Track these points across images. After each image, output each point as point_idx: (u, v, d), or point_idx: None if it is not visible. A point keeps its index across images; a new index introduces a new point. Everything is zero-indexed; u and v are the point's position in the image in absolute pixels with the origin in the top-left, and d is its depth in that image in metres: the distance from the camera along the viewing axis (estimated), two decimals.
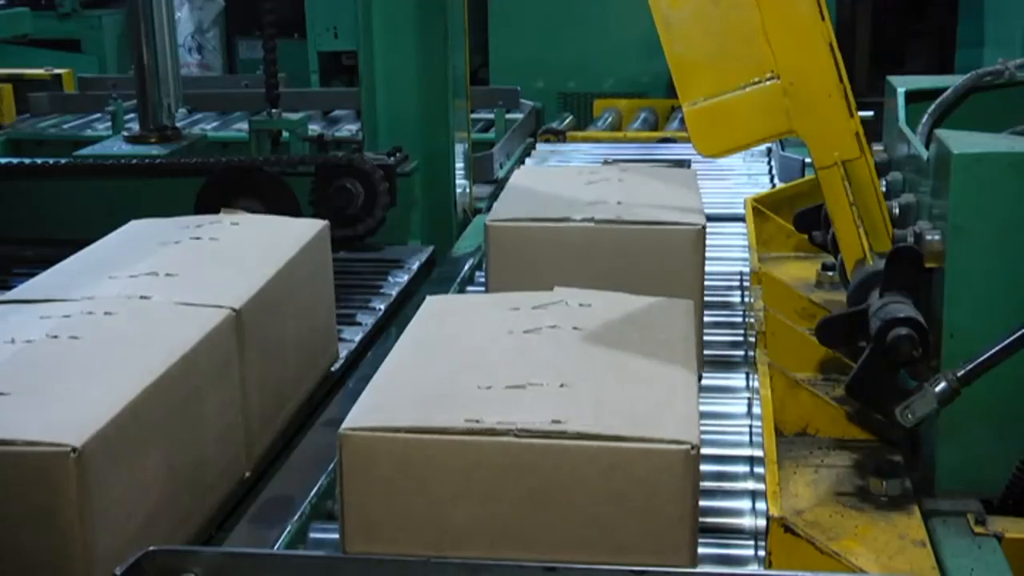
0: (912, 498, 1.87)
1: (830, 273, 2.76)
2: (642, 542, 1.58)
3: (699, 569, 1.68)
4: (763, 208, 3.00)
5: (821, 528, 1.79)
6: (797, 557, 1.61)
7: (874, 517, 1.82)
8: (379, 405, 1.70)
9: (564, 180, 2.74)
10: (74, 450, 1.61)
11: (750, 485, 2.08)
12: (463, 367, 1.81)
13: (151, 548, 1.59)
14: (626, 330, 1.95)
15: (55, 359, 1.90)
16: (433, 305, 2.14)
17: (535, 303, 2.05)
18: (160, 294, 2.17)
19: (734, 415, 2.35)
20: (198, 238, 2.50)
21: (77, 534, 1.63)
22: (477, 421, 1.61)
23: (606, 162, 2.93)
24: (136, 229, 2.64)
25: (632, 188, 2.61)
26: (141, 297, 2.16)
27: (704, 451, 2.15)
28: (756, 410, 2.34)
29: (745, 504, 2.01)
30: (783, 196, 3.15)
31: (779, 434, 2.08)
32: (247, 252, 2.44)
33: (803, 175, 3.93)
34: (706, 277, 3.05)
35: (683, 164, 4.78)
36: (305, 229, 2.60)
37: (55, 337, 1.97)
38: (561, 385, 1.71)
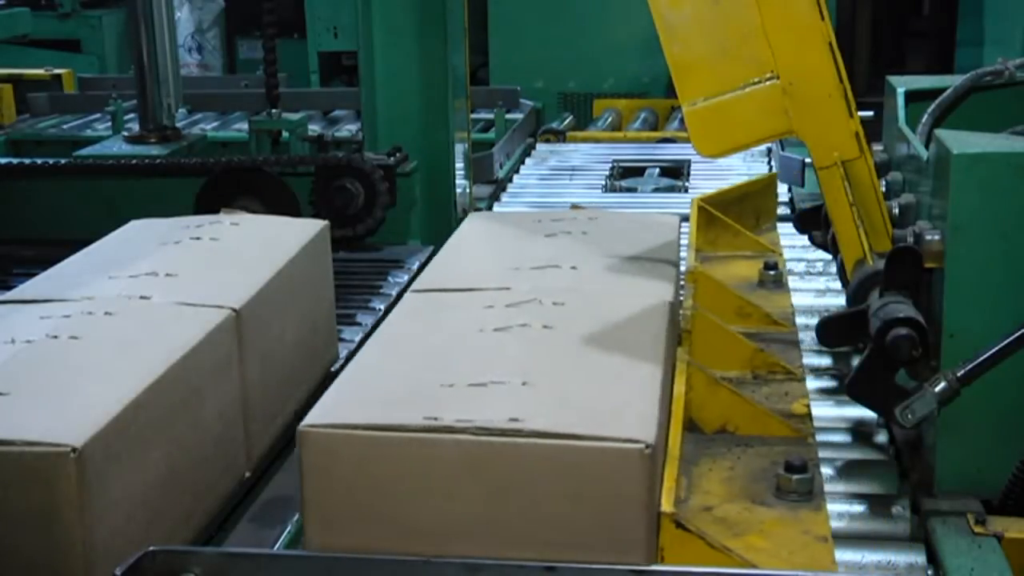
0: (822, 494, 1.88)
1: (772, 272, 2.78)
2: (600, 540, 1.58)
3: (699, 569, 1.68)
4: (710, 208, 3.02)
5: (728, 524, 1.79)
6: (689, 552, 1.61)
7: (782, 513, 1.82)
8: (341, 402, 1.71)
9: (511, 248, 2.43)
10: (74, 450, 1.61)
11: None
12: (429, 365, 1.82)
13: (151, 548, 1.59)
14: (597, 329, 1.96)
15: (55, 359, 1.90)
16: (410, 302, 2.15)
17: (509, 301, 2.06)
18: (160, 294, 2.17)
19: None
20: (198, 238, 2.50)
21: (77, 534, 1.62)
22: (436, 419, 1.61)
23: (575, 206, 2.88)
24: (136, 229, 2.64)
25: (589, 261, 2.34)
26: (141, 297, 2.16)
27: None
28: None
29: None
30: (732, 196, 3.17)
31: (699, 432, 2.09)
32: (247, 252, 2.44)
33: (803, 175, 3.93)
34: None
35: (683, 164, 4.80)
36: (305, 229, 2.60)
37: (55, 337, 1.97)
38: (523, 383, 1.72)
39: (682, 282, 2.51)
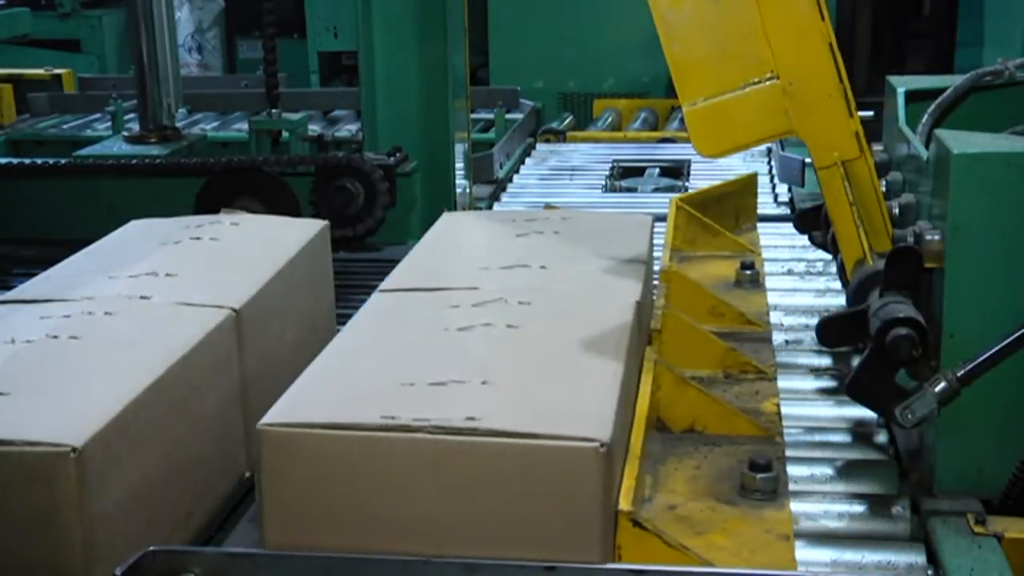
0: (787, 493, 1.88)
1: (748, 272, 2.78)
2: (557, 537, 1.59)
3: (699, 568, 1.68)
4: (688, 208, 3.03)
5: (690, 522, 1.80)
6: (646, 551, 1.62)
7: (745, 512, 1.82)
8: (302, 401, 1.72)
9: (485, 249, 2.44)
10: (74, 450, 1.61)
11: None
12: (391, 364, 1.82)
13: (151, 548, 1.59)
14: (561, 328, 1.96)
15: (55, 359, 1.90)
16: (377, 302, 2.15)
17: (475, 301, 2.07)
18: (160, 294, 2.17)
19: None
20: (198, 238, 2.50)
21: (77, 534, 1.62)
22: (393, 418, 1.62)
23: (548, 206, 2.87)
24: (136, 229, 2.64)
25: (558, 262, 2.33)
26: (141, 297, 2.16)
27: None
28: None
29: None
30: (711, 196, 3.18)
31: (667, 431, 2.10)
32: (247, 252, 2.44)
33: (803, 175, 3.93)
34: None
35: (683, 164, 4.80)
36: (305, 229, 2.60)
37: (55, 337, 1.97)
38: (483, 382, 1.73)
39: (656, 282, 2.52)
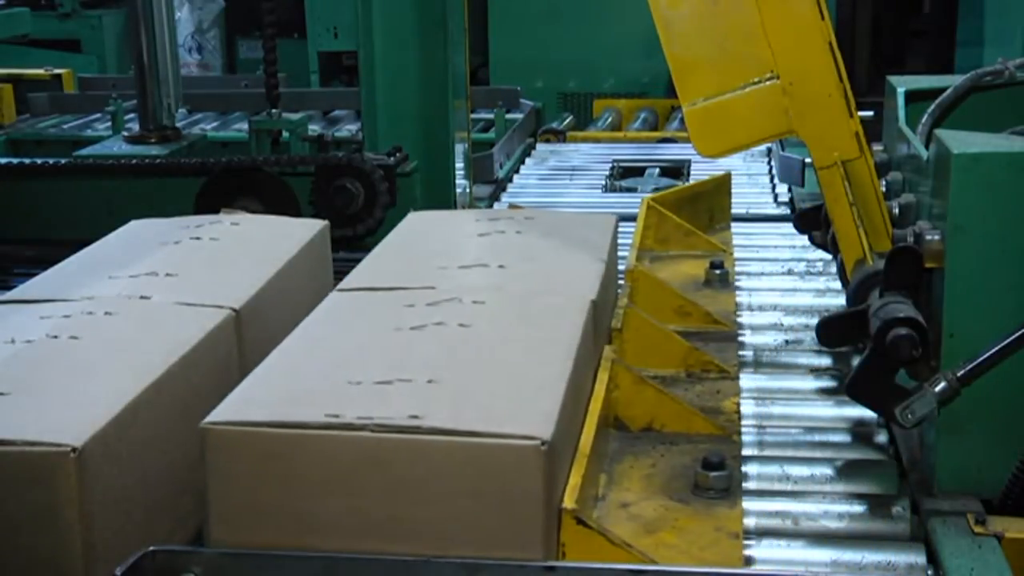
0: (740, 491, 1.89)
1: (718, 272, 2.79)
2: (499, 535, 1.59)
3: (700, 569, 1.68)
4: (660, 207, 3.04)
5: (642, 521, 1.81)
6: (590, 549, 1.62)
7: (697, 510, 1.84)
8: (246, 400, 1.72)
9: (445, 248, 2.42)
10: (74, 450, 1.61)
11: (751, 485, 2.08)
12: (340, 363, 1.83)
13: (151, 548, 1.59)
14: (512, 327, 1.97)
15: (55, 359, 1.90)
16: (333, 301, 2.16)
17: (430, 300, 2.07)
18: (160, 294, 2.17)
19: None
20: (198, 238, 2.50)
21: (77, 534, 1.62)
22: (337, 416, 1.62)
23: (512, 206, 2.86)
24: (136, 229, 2.64)
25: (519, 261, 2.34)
26: (141, 297, 2.16)
27: None
28: (760, 409, 2.35)
29: (746, 504, 2.01)
30: (685, 195, 3.19)
31: (625, 429, 2.10)
32: (247, 252, 2.44)
33: (803, 175, 3.93)
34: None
35: (683, 164, 4.80)
36: (305, 229, 2.60)
37: (55, 337, 1.97)
38: (429, 381, 1.73)
39: (621, 281, 2.53)
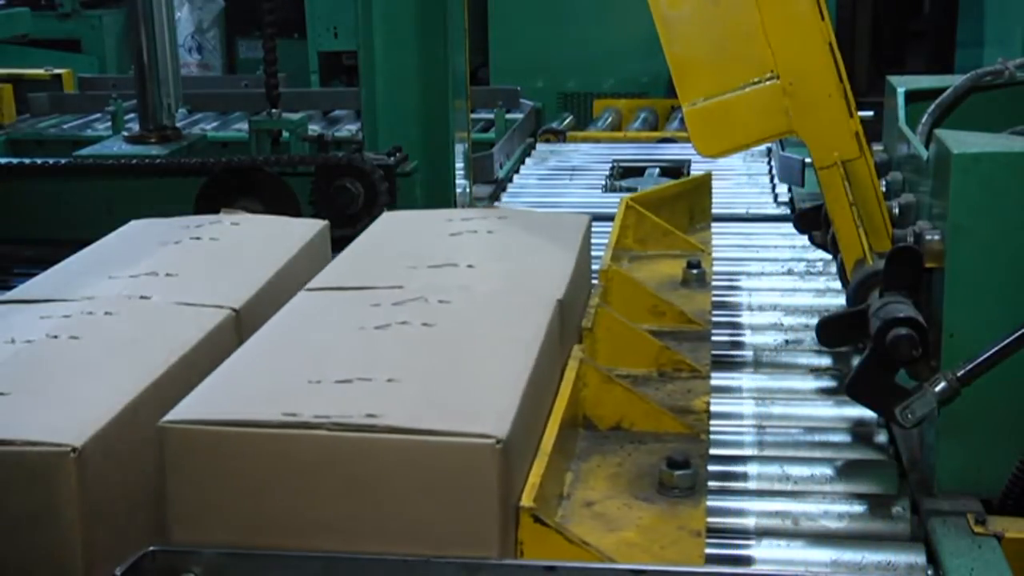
0: (704, 490, 1.89)
1: (695, 271, 2.80)
2: (455, 533, 1.60)
3: (700, 569, 1.68)
4: (638, 207, 3.04)
5: (605, 519, 1.81)
6: (548, 547, 1.63)
7: (661, 508, 1.84)
8: (205, 399, 1.73)
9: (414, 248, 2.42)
10: (74, 450, 1.61)
11: (751, 485, 2.09)
12: (301, 362, 1.83)
13: (151, 548, 1.59)
14: (476, 327, 1.98)
15: (55, 359, 1.90)
16: (300, 300, 2.16)
17: (396, 299, 2.08)
18: (160, 294, 2.17)
19: (733, 415, 2.35)
20: (198, 238, 2.50)
21: (77, 533, 1.62)
22: (294, 415, 1.62)
23: (487, 206, 2.85)
24: (136, 229, 2.64)
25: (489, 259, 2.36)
26: (141, 297, 2.16)
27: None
28: (760, 409, 2.35)
29: (746, 504, 2.02)
30: (666, 195, 3.20)
31: (594, 428, 2.11)
32: (247, 252, 2.44)
33: (803, 175, 3.93)
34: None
35: (683, 164, 4.80)
36: (305, 229, 2.60)
37: (55, 337, 1.97)
38: (389, 380, 1.74)
39: (595, 280, 2.54)
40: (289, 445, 1.61)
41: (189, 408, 1.69)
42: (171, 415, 1.66)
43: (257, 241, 2.51)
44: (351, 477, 1.61)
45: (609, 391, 2.11)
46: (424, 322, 1.97)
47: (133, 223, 2.68)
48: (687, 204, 3.25)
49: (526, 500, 1.65)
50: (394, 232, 2.58)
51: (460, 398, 1.71)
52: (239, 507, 1.63)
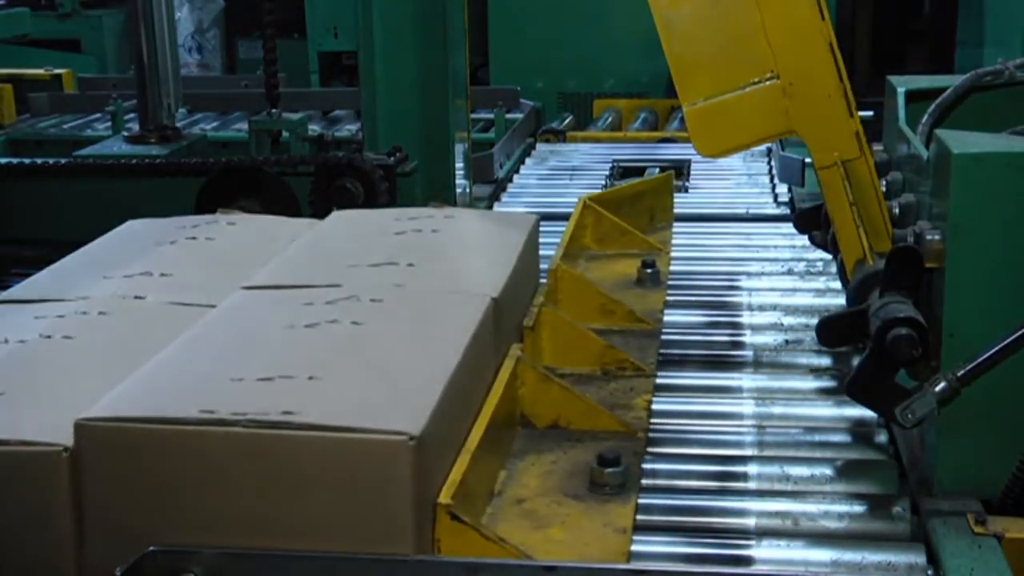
0: (636, 488, 1.89)
1: (649, 271, 2.80)
2: (371, 530, 1.60)
3: (700, 569, 1.68)
4: (595, 206, 3.05)
5: (534, 517, 1.82)
6: (465, 543, 1.64)
7: (590, 506, 1.85)
8: (125, 397, 1.72)
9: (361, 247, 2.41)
10: (66, 449, 1.61)
11: (751, 485, 2.08)
12: (226, 360, 1.83)
13: (151, 548, 1.58)
14: (404, 325, 1.98)
15: (48, 359, 1.90)
16: (235, 299, 2.15)
17: (330, 298, 2.08)
18: (154, 294, 2.17)
19: (733, 415, 2.35)
20: (194, 238, 2.50)
21: (70, 533, 1.62)
22: (211, 412, 1.63)
23: (434, 204, 2.84)
24: (132, 229, 2.64)
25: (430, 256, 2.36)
26: (135, 297, 2.16)
27: (703, 451, 2.18)
28: (760, 409, 2.35)
29: (746, 504, 2.02)
30: (625, 195, 3.21)
31: (531, 427, 2.12)
32: (243, 252, 2.44)
33: (803, 175, 3.93)
34: (700, 277, 3.09)
35: (683, 164, 4.80)
36: (301, 229, 2.60)
37: (48, 337, 1.97)
38: (310, 378, 1.74)
39: (544, 280, 2.55)
40: (205, 442, 1.62)
41: (107, 405, 1.69)
42: (88, 412, 1.66)
43: (253, 241, 2.51)
44: (267, 474, 1.61)
45: (546, 390, 2.12)
46: (354, 320, 1.98)
47: (130, 223, 2.68)
48: (648, 204, 3.26)
49: (444, 497, 1.66)
50: (340, 231, 2.58)
51: (378, 396, 1.72)
52: (157, 503, 1.64)
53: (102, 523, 1.65)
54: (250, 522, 1.62)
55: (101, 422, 1.64)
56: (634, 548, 1.81)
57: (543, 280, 2.59)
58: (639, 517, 1.90)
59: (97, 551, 1.65)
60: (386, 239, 2.44)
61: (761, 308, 2.86)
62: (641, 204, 3.25)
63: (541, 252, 2.68)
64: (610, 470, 1.88)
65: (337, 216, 2.72)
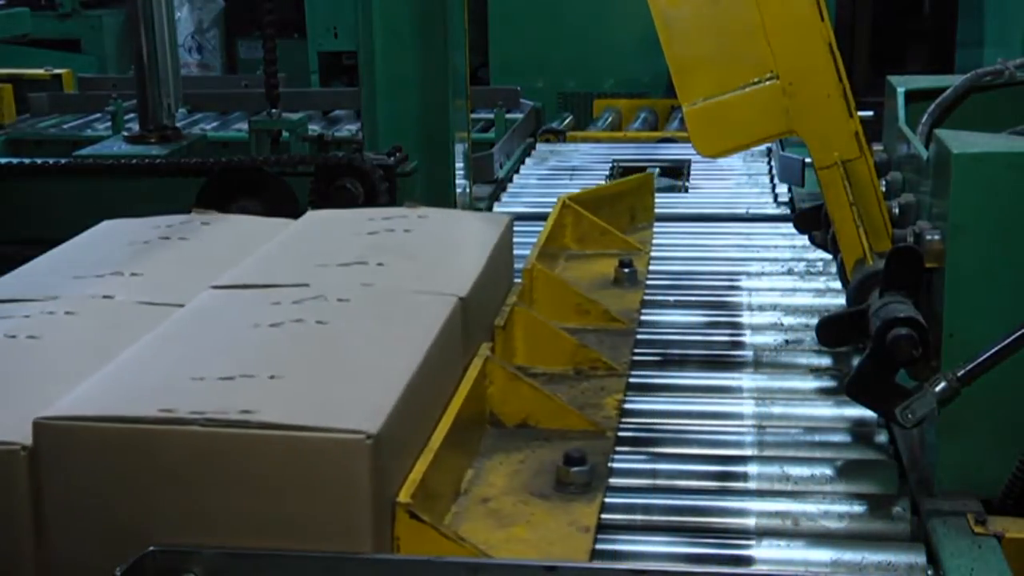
0: (601, 487, 1.89)
1: (627, 270, 2.81)
2: (329, 528, 1.61)
3: (700, 569, 1.68)
4: (574, 205, 3.06)
5: (498, 515, 1.83)
6: (424, 542, 1.64)
7: (555, 505, 1.85)
8: (86, 396, 1.72)
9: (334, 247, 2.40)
10: (25, 448, 1.61)
11: (751, 485, 2.08)
12: (188, 360, 1.83)
13: (151, 548, 1.58)
14: (369, 325, 1.98)
15: (12, 359, 1.89)
16: (203, 299, 2.15)
17: (296, 298, 2.08)
18: (123, 294, 2.16)
19: (733, 415, 2.35)
20: (167, 238, 2.49)
21: (29, 532, 1.62)
22: (170, 411, 1.63)
23: (409, 204, 2.83)
24: (106, 229, 2.63)
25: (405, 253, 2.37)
26: (104, 297, 2.15)
27: (703, 451, 2.18)
28: (760, 409, 2.35)
29: (746, 504, 2.02)
30: (606, 194, 3.22)
31: (500, 426, 2.12)
32: (216, 252, 2.42)
33: (803, 175, 3.93)
34: (700, 277, 3.10)
35: (683, 164, 4.80)
36: (276, 228, 2.58)
37: (13, 337, 1.96)
38: (271, 377, 1.74)
39: (519, 279, 2.55)
40: (163, 441, 1.62)
41: (66, 405, 1.69)
42: (48, 411, 1.66)
43: (227, 240, 2.50)
44: (225, 472, 1.61)
45: (515, 389, 2.12)
46: (319, 320, 1.98)
47: (105, 223, 2.67)
48: (628, 204, 3.26)
49: (403, 496, 1.66)
50: (314, 231, 2.58)
51: (338, 395, 1.72)
52: (117, 502, 1.64)
53: (61, 522, 1.64)
54: (210, 520, 1.62)
55: (60, 421, 1.64)
56: (634, 548, 1.81)
57: (518, 280, 2.59)
58: (640, 517, 1.90)
59: (56, 550, 1.65)
60: (358, 239, 2.44)
61: (761, 308, 2.86)
62: (622, 204, 3.25)
63: (526, 251, 2.68)
64: (576, 469, 1.89)
65: (311, 216, 2.72)
